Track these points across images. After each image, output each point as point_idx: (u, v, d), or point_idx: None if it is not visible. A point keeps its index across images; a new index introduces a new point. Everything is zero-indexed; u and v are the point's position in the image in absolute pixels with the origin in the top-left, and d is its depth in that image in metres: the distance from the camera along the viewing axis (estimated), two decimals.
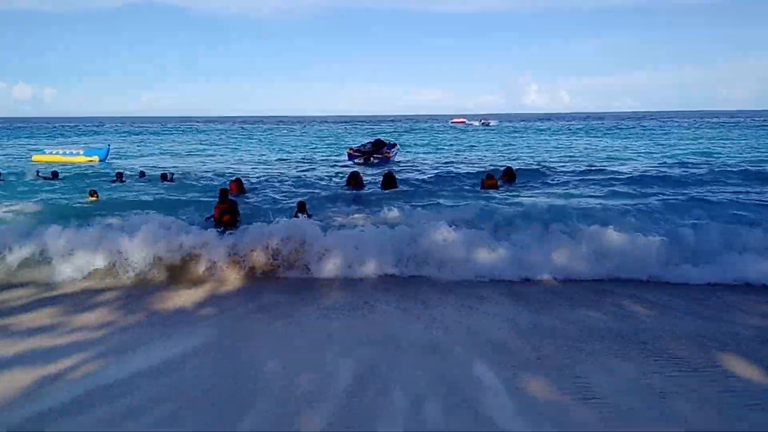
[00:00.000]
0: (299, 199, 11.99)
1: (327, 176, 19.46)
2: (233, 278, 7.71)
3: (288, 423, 3.95)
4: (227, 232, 8.84)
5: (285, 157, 30.11)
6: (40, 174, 19.21)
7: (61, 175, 19.09)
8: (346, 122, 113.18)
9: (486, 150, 34.65)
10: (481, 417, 3.99)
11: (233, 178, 15.44)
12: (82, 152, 30.12)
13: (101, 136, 63.53)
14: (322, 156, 30.71)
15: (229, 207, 10.18)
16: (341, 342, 5.40)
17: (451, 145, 39.04)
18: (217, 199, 10.52)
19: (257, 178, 18.96)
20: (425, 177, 18.41)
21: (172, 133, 67.02)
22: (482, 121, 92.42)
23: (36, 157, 29.72)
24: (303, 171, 21.80)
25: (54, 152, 30.73)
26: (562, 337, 5.51)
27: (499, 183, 14.92)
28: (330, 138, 51.48)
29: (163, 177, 18.10)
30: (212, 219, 10.06)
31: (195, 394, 4.37)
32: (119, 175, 18.33)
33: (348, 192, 14.54)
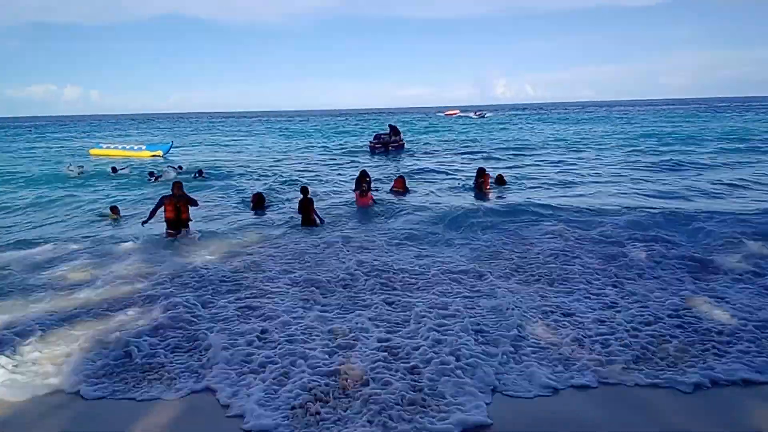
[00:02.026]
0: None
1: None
2: None
3: None
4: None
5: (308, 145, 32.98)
6: (117, 170, 21.17)
7: (133, 171, 21.09)
8: (340, 115, 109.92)
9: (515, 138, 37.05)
10: None
11: (255, 191, 14.14)
12: (144, 147, 30.86)
13: (140, 130, 67.95)
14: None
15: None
16: None
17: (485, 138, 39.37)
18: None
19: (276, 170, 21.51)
20: None
21: (202, 128, 70.80)
22: (478, 112, 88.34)
23: (93, 152, 31.21)
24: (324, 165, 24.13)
25: (112, 147, 31.78)
26: None
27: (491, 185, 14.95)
28: (331, 129, 54.71)
29: (199, 174, 19.09)
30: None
31: None
32: (152, 174, 18.96)
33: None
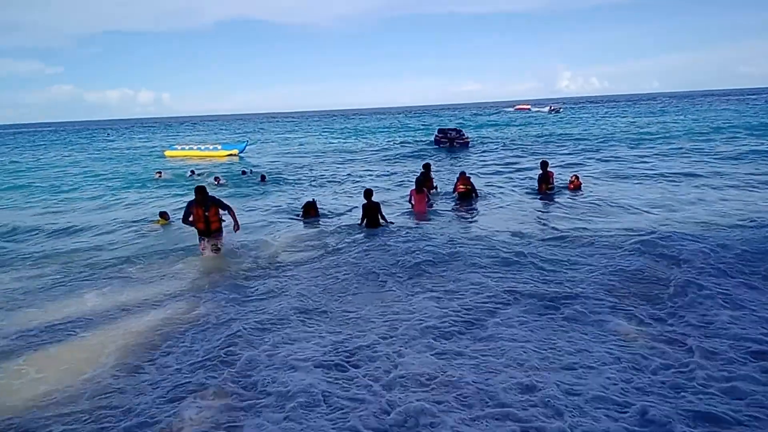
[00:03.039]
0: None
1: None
2: None
3: None
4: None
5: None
6: (195, 174, 21.13)
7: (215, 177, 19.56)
8: (402, 113, 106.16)
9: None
10: None
11: (309, 200, 12.19)
12: (220, 147, 31.18)
13: (209, 130, 70.64)
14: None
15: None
16: None
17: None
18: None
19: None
20: None
21: (265, 128, 72.46)
22: (551, 107, 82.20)
23: (168, 153, 31.86)
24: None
25: (187, 148, 32.25)
26: None
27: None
28: (389, 127, 53.73)
29: (262, 178, 18.39)
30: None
31: None
32: (217, 179, 18.47)
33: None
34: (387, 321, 5.55)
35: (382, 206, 10.28)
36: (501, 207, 11.88)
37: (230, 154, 29.70)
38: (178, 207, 13.15)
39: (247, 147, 32.21)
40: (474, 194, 12.51)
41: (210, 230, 8.45)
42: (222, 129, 77.62)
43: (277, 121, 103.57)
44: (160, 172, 21.62)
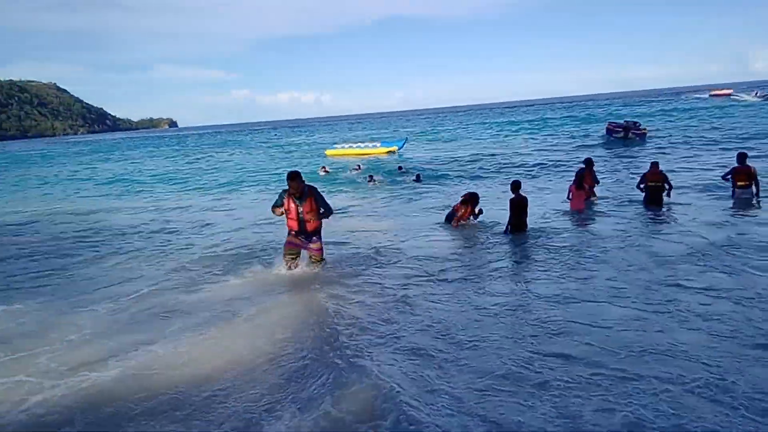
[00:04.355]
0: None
1: None
2: None
3: None
4: None
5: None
6: (353, 171, 21.50)
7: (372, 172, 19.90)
8: (561, 105, 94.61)
9: None
10: None
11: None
12: (379, 144, 32.17)
13: (368, 128, 73.88)
14: None
15: None
16: None
17: None
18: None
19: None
20: None
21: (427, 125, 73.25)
22: (757, 92, 67.93)
23: (329, 152, 33.20)
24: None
25: (347, 146, 33.54)
26: None
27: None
28: (552, 119, 49.36)
29: (417, 178, 18.14)
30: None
31: None
32: (371, 178, 18.41)
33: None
34: None
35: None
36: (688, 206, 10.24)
37: (390, 151, 30.26)
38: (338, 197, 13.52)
39: (406, 144, 32.51)
40: (667, 187, 10.35)
41: (306, 231, 6.75)
42: (378, 126, 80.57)
43: (427, 117, 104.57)
44: (325, 168, 22.72)
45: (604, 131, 27.44)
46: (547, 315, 5.22)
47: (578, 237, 8.47)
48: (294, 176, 6.50)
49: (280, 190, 6.90)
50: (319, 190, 6.92)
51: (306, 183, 6.71)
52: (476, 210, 9.82)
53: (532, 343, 4.62)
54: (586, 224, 9.46)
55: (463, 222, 9.77)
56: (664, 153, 20.35)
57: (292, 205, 6.63)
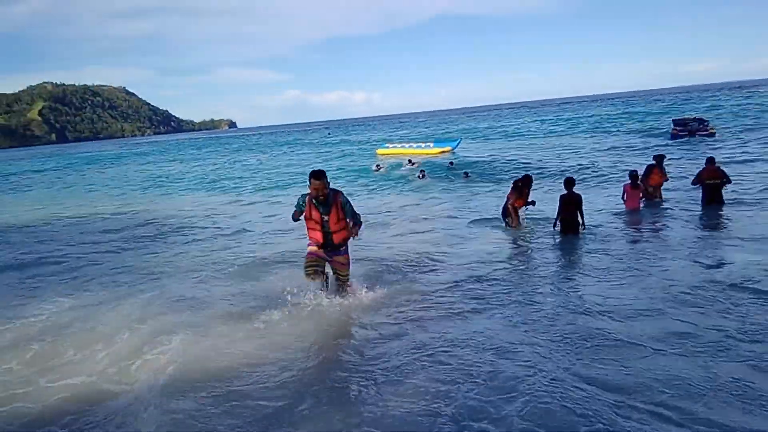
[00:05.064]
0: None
1: None
2: None
3: None
4: None
5: None
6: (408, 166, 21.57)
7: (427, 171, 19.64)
8: (609, 102, 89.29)
9: None
10: None
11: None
12: (432, 144, 31.31)
13: (421, 127, 73.44)
14: None
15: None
16: None
17: None
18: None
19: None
20: None
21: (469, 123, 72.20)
22: None
23: (380, 151, 33.06)
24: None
25: (399, 146, 32.90)
26: None
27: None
28: (607, 115, 47.25)
29: (465, 175, 18.28)
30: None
31: None
32: (422, 173, 18.72)
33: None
34: None
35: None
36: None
37: (443, 151, 29.21)
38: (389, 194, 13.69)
39: (460, 144, 31.39)
40: (725, 183, 9.74)
41: (332, 243, 5.53)
42: (429, 124, 79.67)
43: (476, 115, 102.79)
44: (379, 166, 22.97)
45: (669, 135, 25.79)
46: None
47: (634, 241, 8.20)
48: (319, 174, 5.28)
49: (299, 194, 5.76)
50: (345, 194, 5.64)
51: (332, 187, 5.50)
52: (529, 198, 9.37)
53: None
54: (641, 226, 9.14)
55: (520, 212, 9.38)
56: (733, 153, 19.01)
57: (315, 213, 5.43)
